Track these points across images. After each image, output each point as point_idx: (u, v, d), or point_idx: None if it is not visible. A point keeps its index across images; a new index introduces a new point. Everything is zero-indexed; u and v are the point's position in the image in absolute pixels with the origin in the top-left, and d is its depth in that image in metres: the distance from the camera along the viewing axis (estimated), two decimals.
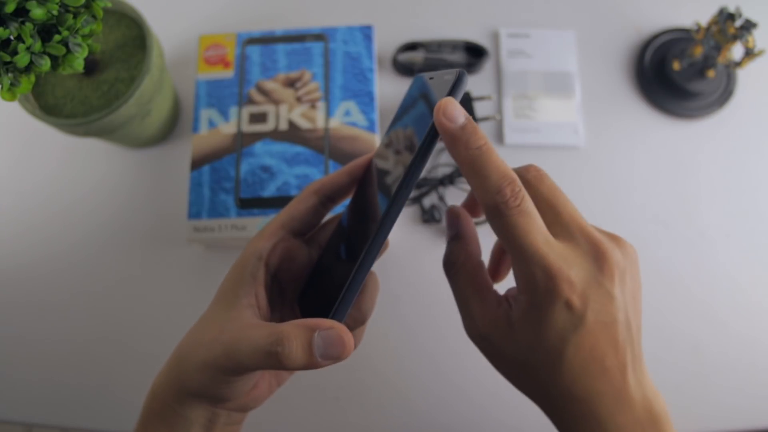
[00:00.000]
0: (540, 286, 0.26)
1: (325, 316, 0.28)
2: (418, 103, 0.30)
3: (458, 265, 0.31)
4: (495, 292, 0.30)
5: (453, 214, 0.33)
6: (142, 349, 0.52)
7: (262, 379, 0.33)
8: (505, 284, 0.33)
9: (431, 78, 0.30)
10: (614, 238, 0.29)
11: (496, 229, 0.27)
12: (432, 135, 0.27)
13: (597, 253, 0.27)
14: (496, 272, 0.37)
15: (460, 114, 0.26)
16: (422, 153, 0.27)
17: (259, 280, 0.32)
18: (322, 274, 0.33)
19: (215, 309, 0.31)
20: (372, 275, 0.34)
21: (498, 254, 0.36)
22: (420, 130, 0.27)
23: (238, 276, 0.32)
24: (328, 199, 0.35)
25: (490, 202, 0.26)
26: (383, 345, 0.51)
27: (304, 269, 0.35)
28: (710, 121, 0.57)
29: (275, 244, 0.33)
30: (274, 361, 0.26)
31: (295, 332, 0.27)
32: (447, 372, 0.50)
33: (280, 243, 0.33)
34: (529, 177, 0.29)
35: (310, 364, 0.27)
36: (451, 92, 0.27)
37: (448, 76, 0.28)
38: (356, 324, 0.32)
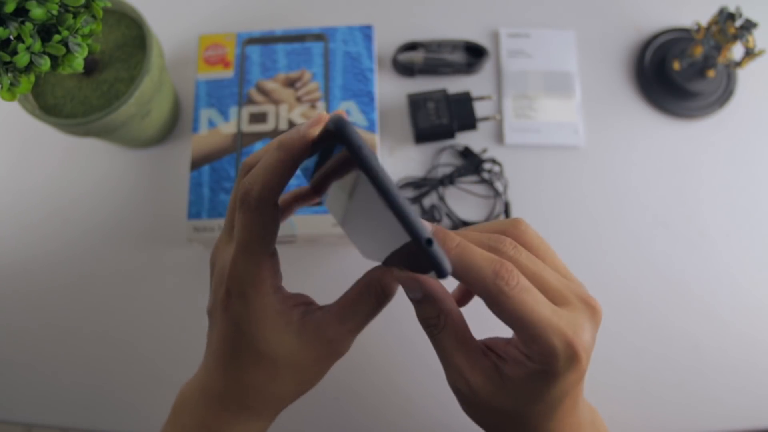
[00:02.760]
0: (561, 355, 0.26)
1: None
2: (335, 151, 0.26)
3: (441, 326, 0.30)
4: (477, 342, 0.30)
5: (411, 279, 0.31)
6: (142, 349, 0.52)
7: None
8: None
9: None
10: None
11: (503, 312, 0.27)
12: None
13: (592, 310, 0.28)
14: (461, 301, 0.36)
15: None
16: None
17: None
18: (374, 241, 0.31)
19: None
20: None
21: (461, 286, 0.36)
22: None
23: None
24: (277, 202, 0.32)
25: (492, 289, 0.26)
26: (383, 345, 0.51)
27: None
28: (710, 121, 0.57)
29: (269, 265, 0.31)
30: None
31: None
32: None
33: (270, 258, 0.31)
34: (507, 251, 0.29)
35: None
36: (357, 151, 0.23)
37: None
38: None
